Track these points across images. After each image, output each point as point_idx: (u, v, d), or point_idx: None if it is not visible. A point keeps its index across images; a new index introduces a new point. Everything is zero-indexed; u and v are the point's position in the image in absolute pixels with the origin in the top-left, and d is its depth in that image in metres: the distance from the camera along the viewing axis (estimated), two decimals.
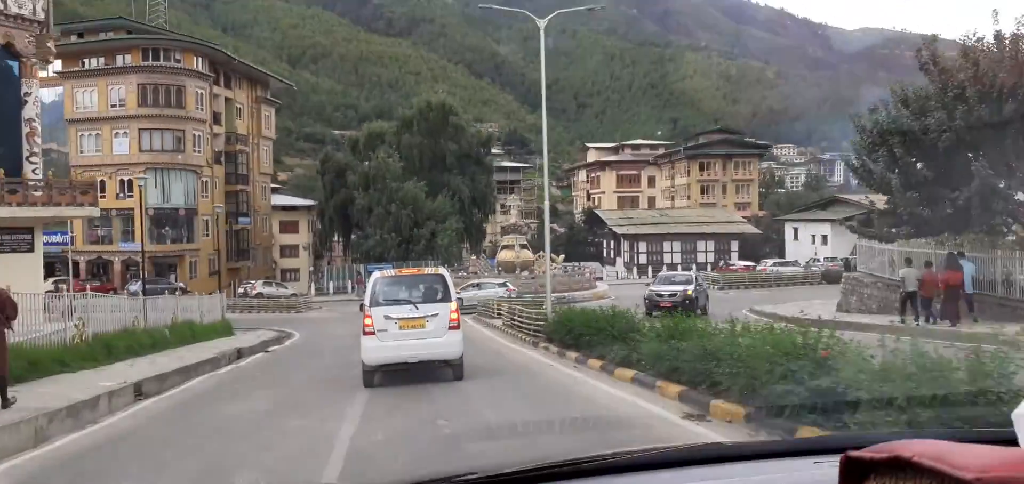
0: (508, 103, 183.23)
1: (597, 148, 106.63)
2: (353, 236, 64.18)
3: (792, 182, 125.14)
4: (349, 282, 58.34)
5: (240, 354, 22.35)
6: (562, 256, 45.67)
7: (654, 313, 21.45)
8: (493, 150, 74.03)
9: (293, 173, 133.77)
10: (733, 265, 55.09)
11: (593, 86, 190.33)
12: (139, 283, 54.08)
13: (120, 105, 56.46)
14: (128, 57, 56.93)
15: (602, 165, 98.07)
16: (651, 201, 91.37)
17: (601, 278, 45.69)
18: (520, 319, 22.34)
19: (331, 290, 57.22)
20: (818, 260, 53.75)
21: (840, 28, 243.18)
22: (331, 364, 18.76)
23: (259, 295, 51.55)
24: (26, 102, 26.11)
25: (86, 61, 58.21)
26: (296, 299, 47.71)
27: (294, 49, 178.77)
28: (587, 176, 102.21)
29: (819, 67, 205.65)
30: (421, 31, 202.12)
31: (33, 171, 26.25)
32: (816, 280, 45.89)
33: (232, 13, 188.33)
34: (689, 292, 27.28)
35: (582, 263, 55.34)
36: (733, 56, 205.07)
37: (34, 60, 26.37)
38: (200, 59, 59.25)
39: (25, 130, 26.08)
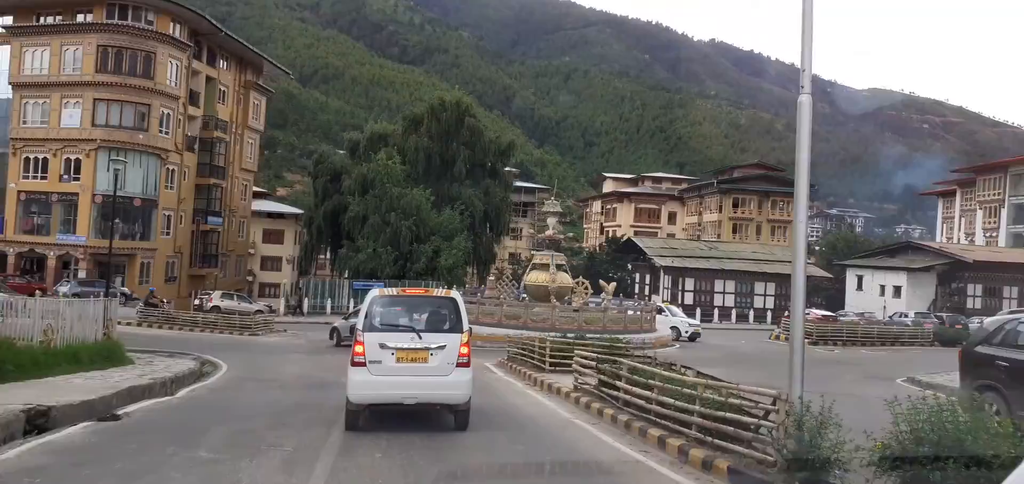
0: (517, 136, 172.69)
1: (614, 179, 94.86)
2: (342, 249, 51.69)
3: (812, 232, 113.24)
4: (327, 301, 45.75)
5: (35, 425, 9.81)
6: (613, 284, 33.27)
7: None
8: (510, 168, 61.58)
9: (293, 190, 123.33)
10: (806, 312, 42.68)
11: (601, 125, 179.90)
12: (70, 284, 41.68)
13: (75, 70, 44.16)
14: (90, 16, 44.77)
15: (619, 196, 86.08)
16: (671, 238, 79.14)
17: (661, 311, 33.35)
18: (655, 401, 10.14)
19: (305, 309, 44.53)
20: (905, 314, 41.45)
21: (849, 87, 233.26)
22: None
23: (214, 309, 38.90)
24: None
25: (42, 18, 46.01)
26: (257, 317, 35.01)
27: (306, 68, 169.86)
28: (602, 208, 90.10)
29: (827, 124, 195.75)
30: (434, 60, 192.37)
31: None
32: (927, 339, 33.50)
33: (248, 28, 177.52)
34: None
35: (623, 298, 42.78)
36: (742, 106, 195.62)
37: None
38: (178, 25, 47.10)
39: None
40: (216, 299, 41.21)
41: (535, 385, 16.00)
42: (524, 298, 30.37)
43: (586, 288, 31.95)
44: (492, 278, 36.54)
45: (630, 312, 29.70)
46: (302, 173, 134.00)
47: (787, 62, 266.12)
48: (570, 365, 16.74)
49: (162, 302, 40.78)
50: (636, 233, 77.34)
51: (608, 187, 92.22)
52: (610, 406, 11.66)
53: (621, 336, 24.54)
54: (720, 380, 10.70)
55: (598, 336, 20.19)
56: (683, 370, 11.86)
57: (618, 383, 11.57)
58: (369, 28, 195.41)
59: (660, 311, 33.27)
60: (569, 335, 19.98)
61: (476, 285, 48.59)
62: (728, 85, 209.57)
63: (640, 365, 11.53)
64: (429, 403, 9.77)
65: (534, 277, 30.30)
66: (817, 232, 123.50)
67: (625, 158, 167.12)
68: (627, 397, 11.12)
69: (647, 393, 10.43)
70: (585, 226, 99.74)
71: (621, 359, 12.88)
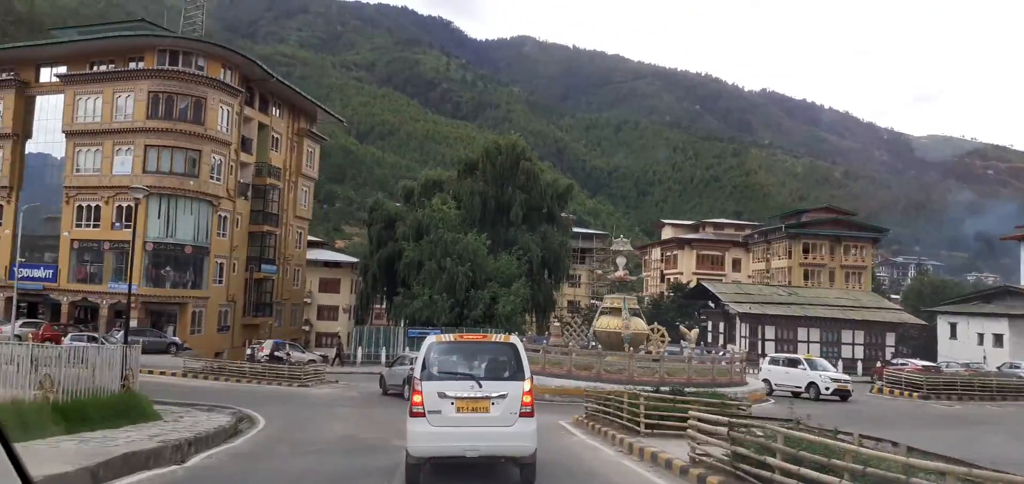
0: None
1: (674, 225, 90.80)
2: (397, 296, 48.98)
3: (883, 281, 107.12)
4: (383, 349, 42.85)
5: None
6: (696, 331, 29.51)
7: None
8: (566, 214, 58.29)
9: (351, 242, 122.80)
10: (902, 363, 37.84)
11: (654, 175, 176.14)
12: (116, 331, 39.74)
13: (126, 117, 42.94)
14: (141, 62, 43.73)
15: (680, 243, 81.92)
16: (740, 284, 74.58)
17: (797, 363, 28.12)
18: None
19: (358, 358, 41.63)
20: (1018, 364, 36.41)
21: (908, 134, 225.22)
22: None
23: (271, 358, 36.28)
24: None
25: (95, 66, 45.20)
26: (308, 368, 32.17)
27: (363, 125, 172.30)
28: (662, 255, 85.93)
29: (887, 171, 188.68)
30: (486, 115, 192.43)
31: None
32: None
33: (305, 88, 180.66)
34: None
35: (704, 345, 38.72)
36: (798, 155, 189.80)
37: None
38: (230, 71, 45.68)
39: None
40: (267, 348, 38.66)
41: (630, 452, 12.53)
42: (594, 346, 26.92)
43: (662, 335, 28.35)
44: (557, 324, 33.10)
45: (721, 362, 25.82)
46: (360, 225, 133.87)
47: (841, 110, 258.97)
48: (671, 427, 13.32)
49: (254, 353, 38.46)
50: (698, 280, 73.17)
51: (667, 234, 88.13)
52: None
53: (710, 388, 20.87)
54: (943, 456, 7.16)
55: (695, 390, 16.61)
56: (857, 439, 8.34)
57: (770, 460, 8.10)
58: (423, 86, 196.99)
59: (795, 363, 28.10)
60: (657, 389, 16.46)
61: (535, 334, 45.24)
62: (782, 134, 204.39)
63: (806, 435, 8.05)
64: (493, 455, 8.97)
65: (605, 323, 26.80)
66: (885, 280, 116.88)
67: (680, 208, 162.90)
68: (787, 483, 7.65)
69: (829, 480, 6.96)
70: (644, 274, 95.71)
71: (757, 423, 9.44)
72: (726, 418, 9.79)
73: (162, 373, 31.61)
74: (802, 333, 44.82)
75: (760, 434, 9.06)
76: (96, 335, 36.23)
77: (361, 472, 11.05)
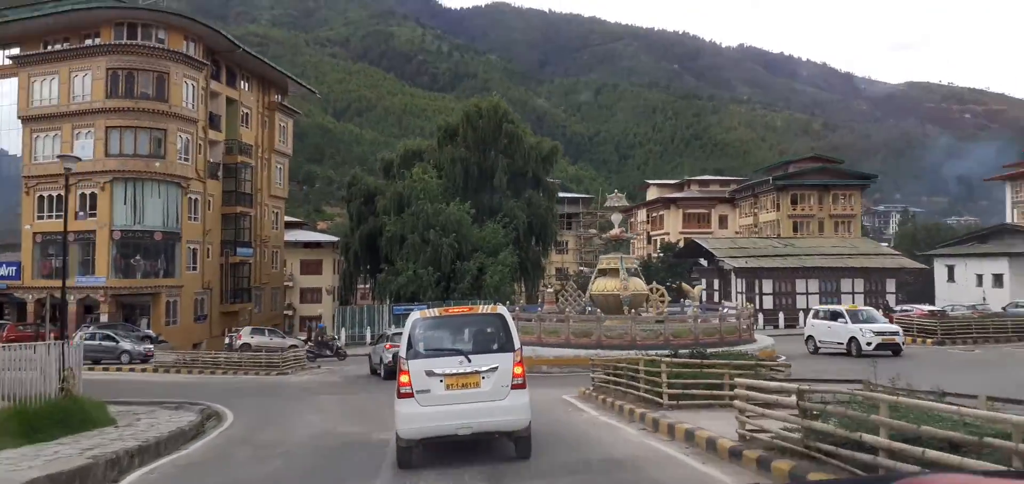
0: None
1: (658, 185, 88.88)
2: (381, 273, 46.77)
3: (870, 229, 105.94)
4: (367, 329, 40.69)
5: None
6: (699, 287, 27.49)
7: None
8: (552, 178, 55.96)
9: (333, 223, 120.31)
10: (905, 309, 36.11)
11: (634, 138, 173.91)
12: (85, 328, 37.22)
13: (84, 97, 40.04)
14: (98, 38, 40.74)
15: (665, 203, 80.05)
16: (735, 238, 73.02)
17: (838, 316, 24.13)
18: None
19: (342, 339, 39.40)
20: (1020, 303, 34.90)
21: (885, 82, 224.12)
22: None
23: (244, 346, 33.99)
24: None
25: (49, 45, 42.16)
26: (287, 354, 29.89)
27: (340, 102, 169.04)
28: (648, 216, 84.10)
29: (865, 120, 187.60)
30: (464, 86, 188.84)
31: None
32: None
33: (281, 66, 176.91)
34: None
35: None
36: (776, 108, 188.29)
37: None
38: (193, 43, 42.77)
39: None
40: (245, 336, 36.35)
41: (656, 430, 10.51)
42: (591, 311, 24.93)
43: (662, 295, 26.38)
44: (550, 291, 30.98)
45: (728, 318, 23.84)
46: (341, 205, 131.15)
47: (818, 62, 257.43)
48: (700, 396, 11.33)
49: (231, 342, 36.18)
50: (685, 239, 71.47)
51: (652, 195, 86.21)
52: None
53: (719, 348, 18.98)
54: None
55: (714, 353, 14.65)
56: (984, 402, 6.32)
57: (868, 438, 6.07)
58: (398, 59, 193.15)
59: (835, 317, 24.10)
60: (675, 353, 14.45)
61: (525, 303, 43.29)
62: (760, 89, 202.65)
63: (921, 402, 6.00)
64: (486, 432, 8.57)
65: (602, 285, 24.73)
66: (869, 229, 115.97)
67: (661, 168, 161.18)
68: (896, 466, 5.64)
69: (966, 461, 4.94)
70: (631, 236, 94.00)
71: (826, 389, 7.44)
72: (792, 385, 7.73)
73: (131, 369, 29.38)
74: (800, 284, 43.02)
75: (831, 403, 7.04)
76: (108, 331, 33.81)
77: (339, 475, 9.02)
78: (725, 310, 28.54)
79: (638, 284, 24.89)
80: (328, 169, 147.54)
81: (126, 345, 31.42)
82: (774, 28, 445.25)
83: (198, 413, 15.09)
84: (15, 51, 42.09)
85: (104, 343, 31.33)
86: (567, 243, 73.64)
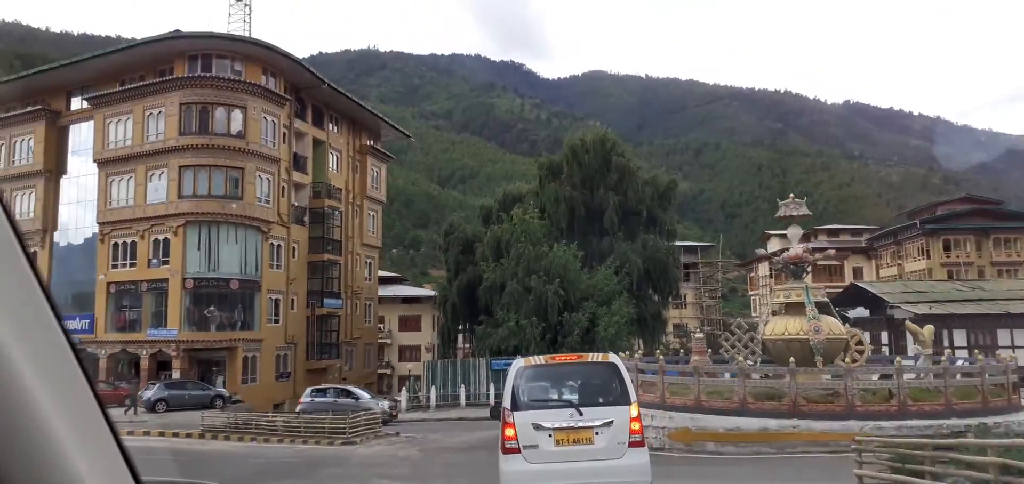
0: None
1: (780, 236, 78.38)
2: (479, 325, 39.78)
3: None
4: (461, 388, 33.45)
5: None
6: (929, 327, 18.97)
7: None
8: (670, 216, 47.48)
9: (439, 285, 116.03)
10: None
11: (740, 195, 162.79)
12: (156, 386, 31.86)
13: (158, 136, 35.70)
14: (172, 73, 36.56)
15: None
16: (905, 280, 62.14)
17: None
18: None
19: (432, 401, 32.27)
20: None
21: (1008, 134, 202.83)
22: None
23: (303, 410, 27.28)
24: None
25: (125, 83, 38.34)
26: (358, 419, 22.90)
27: (444, 171, 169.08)
28: (771, 271, 73.74)
29: (990, 174, 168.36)
30: (562, 149, 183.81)
31: None
32: None
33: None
34: None
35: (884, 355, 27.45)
36: (891, 164, 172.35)
37: None
38: (272, 78, 38.06)
39: None
40: (305, 399, 29.59)
41: None
42: (764, 361, 16.77)
43: (860, 342, 17.94)
44: (701, 336, 22.69)
45: (990, 373, 14.96)
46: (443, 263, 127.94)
47: (931, 115, 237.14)
48: None
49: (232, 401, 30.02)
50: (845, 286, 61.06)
51: (774, 246, 75.86)
52: None
53: (986, 419, 10.40)
54: None
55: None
56: None
57: None
58: (499, 128, 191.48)
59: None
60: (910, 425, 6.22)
61: (641, 357, 34.95)
62: (871, 145, 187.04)
63: None
64: None
65: (781, 327, 16.58)
66: None
67: (773, 227, 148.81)
68: None
69: None
70: (751, 293, 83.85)
71: None
72: None
73: (175, 434, 23.24)
74: (1003, 336, 32.61)
75: None
76: (180, 392, 28.71)
77: None
78: (964, 363, 19.42)
79: (834, 325, 16.62)
80: (433, 233, 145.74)
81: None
82: (880, 83, 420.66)
83: None
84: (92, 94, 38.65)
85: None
86: (685, 297, 64.63)
